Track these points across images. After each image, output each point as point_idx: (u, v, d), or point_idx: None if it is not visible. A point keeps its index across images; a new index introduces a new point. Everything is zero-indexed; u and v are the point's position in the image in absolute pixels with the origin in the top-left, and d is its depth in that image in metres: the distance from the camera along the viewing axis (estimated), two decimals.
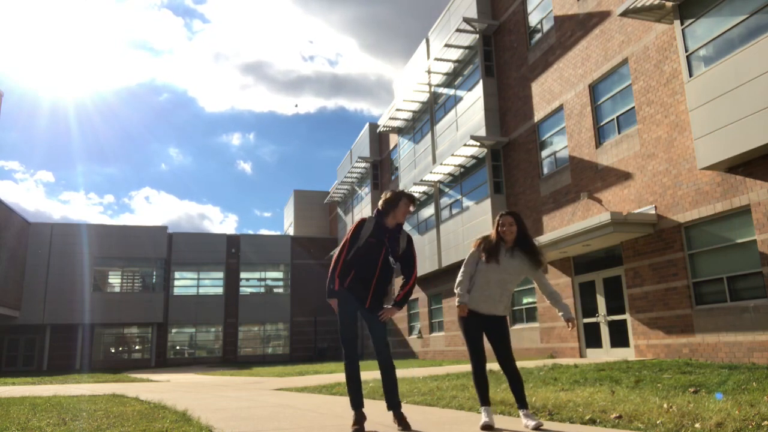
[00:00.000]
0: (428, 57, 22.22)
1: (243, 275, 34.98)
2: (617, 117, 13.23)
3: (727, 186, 10.11)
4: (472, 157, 18.87)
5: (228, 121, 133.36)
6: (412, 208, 4.65)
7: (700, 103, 10.14)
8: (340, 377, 10.49)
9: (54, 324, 30.24)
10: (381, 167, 30.40)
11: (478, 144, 17.85)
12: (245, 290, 34.93)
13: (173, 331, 33.46)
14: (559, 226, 14.66)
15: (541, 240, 13.38)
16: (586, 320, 13.87)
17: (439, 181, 21.59)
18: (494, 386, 6.52)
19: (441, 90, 21.88)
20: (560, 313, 4.54)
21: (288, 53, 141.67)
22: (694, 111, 10.29)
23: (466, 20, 18.50)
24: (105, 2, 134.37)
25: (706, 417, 4.16)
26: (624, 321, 12.65)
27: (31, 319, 29.30)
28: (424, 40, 23.14)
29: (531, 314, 16.32)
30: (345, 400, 5.39)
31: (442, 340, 21.70)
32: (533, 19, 17.02)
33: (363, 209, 31.05)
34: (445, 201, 21.27)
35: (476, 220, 18.46)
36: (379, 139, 30.74)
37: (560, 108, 15.22)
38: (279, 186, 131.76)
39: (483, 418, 4.27)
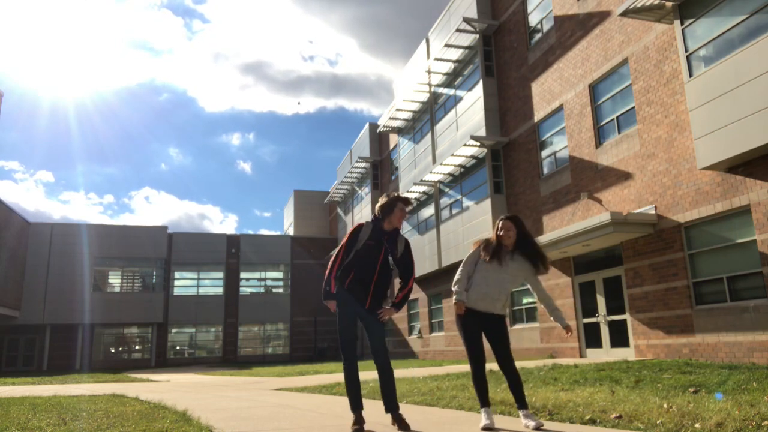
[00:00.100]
0: (428, 57, 22.22)
1: (243, 275, 34.98)
2: (617, 117, 13.23)
3: (727, 186, 10.11)
4: (472, 157, 18.87)
5: (228, 121, 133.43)
6: (408, 208, 4.72)
7: (700, 103, 10.14)
8: (340, 377, 10.49)
9: (54, 324, 30.25)
10: (381, 167, 30.40)
11: (478, 144, 17.85)
12: (245, 290, 34.93)
13: (173, 331, 33.47)
14: (559, 226, 14.66)
15: (541, 240, 13.38)
16: (586, 320, 13.87)
17: (439, 181, 21.59)
18: (494, 386, 6.52)
19: (441, 90, 21.88)
20: (557, 322, 4.63)
21: (288, 53, 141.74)
22: (694, 111, 10.29)
23: (466, 20, 18.50)
24: (105, 2, 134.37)
25: (706, 417, 4.16)
26: (624, 321, 12.65)
27: (31, 319, 29.31)
28: (424, 40, 23.15)
29: (531, 314, 16.32)
30: (345, 400, 5.39)
31: (442, 340, 21.70)
32: (533, 19, 17.03)
33: (363, 209, 31.05)
34: (445, 201, 21.27)
35: (476, 220, 18.46)
36: (379, 139, 30.74)
37: (560, 108, 15.22)
38: (279, 186, 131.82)
39: (483, 419, 4.27)
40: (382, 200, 4.69)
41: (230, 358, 33.10)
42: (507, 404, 5.39)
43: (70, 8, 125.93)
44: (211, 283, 34.45)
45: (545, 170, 15.95)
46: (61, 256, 30.64)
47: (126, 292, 32.95)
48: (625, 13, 11.45)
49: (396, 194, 4.77)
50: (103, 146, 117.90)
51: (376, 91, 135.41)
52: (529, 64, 16.87)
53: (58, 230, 31.38)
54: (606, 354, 13.04)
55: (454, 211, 20.31)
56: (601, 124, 13.73)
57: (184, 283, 34.08)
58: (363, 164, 31.00)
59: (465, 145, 18.16)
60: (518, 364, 4.66)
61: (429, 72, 21.59)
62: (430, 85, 22.41)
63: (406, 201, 4.68)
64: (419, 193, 23.03)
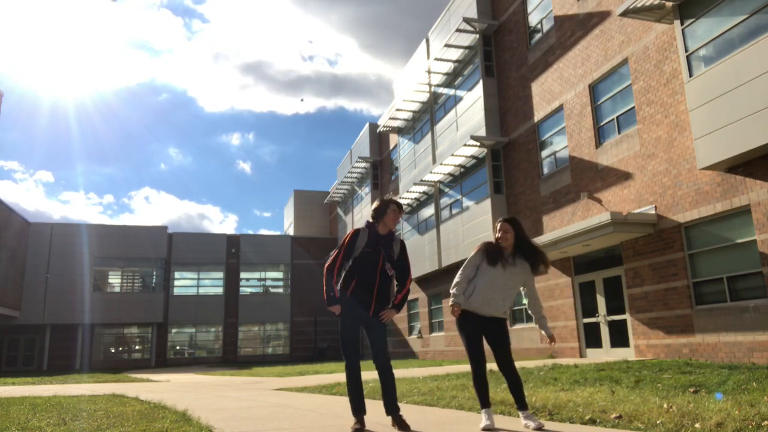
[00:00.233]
0: (428, 57, 22.22)
1: (243, 275, 34.97)
2: (617, 117, 13.23)
3: (727, 186, 10.11)
4: (472, 157, 18.87)
5: (228, 121, 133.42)
6: (401, 213, 4.77)
7: (700, 103, 10.14)
8: (340, 377, 10.49)
9: (54, 324, 30.24)
10: (381, 167, 30.40)
11: (478, 144, 17.85)
12: (245, 290, 34.93)
13: (173, 331, 33.46)
14: (559, 226, 14.66)
15: (541, 240, 13.38)
16: (586, 320, 13.87)
17: (439, 181, 21.59)
18: (494, 386, 6.52)
19: (441, 90, 21.88)
20: (542, 331, 4.68)
21: (287, 53, 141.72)
22: (694, 111, 10.28)
23: (466, 20, 18.50)
24: (105, 2, 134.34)
25: (706, 417, 4.16)
26: (624, 321, 12.65)
27: (31, 319, 29.30)
28: (424, 40, 23.14)
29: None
30: (345, 400, 5.39)
31: (442, 340, 21.70)
32: (533, 19, 17.02)
33: (363, 209, 31.05)
34: (445, 201, 21.27)
35: (476, 220, 18.46)
36: (379, 139, 30.74)
37: (560, 108, 15.22)
38: (279, 186, 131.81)
39: (483, 419, 4.27)
40: (375, 204, 4.77)
41: (230, 358, 33.09)
42: (507, 404, 5.39)
43: (70, 8, 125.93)
44: (211, 283, 34.44)
45: (545, 170, 15.95)
46: (61, 256, 30.64)
47: (126, 292, 32.95)
48: (625, 13, 11.45)
49: (388, 197, 4.86)
50: (103, 146, 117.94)
51: (376, 91, 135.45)
52: (529, 64, 16.87)
53: (58, 230, 31.37)
54: (606, 354, 13.04)
55: (454, 211, 20.30)
56: (601, 124, 13.73)
57: (184, 283, 34.07)
58: (363, 164, 31.00)
59: (465, 145, 18.16)
60: (518, 364, 4.67)
61: (429, 72, 21.59)
62: (430, 85, 22.41)
63: (398, 204, 4.77)
64: (419, 193, 23.03)
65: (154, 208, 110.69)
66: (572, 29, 14.84)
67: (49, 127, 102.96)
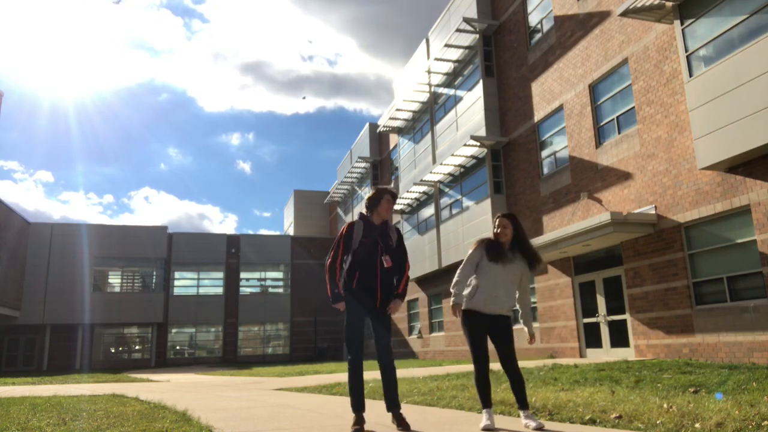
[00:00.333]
0: (428, 57, 22.22)
1: (243, 275, 34.96)
2: (617, 117, 13.23)
3: (727, 186, 10.11)
4: (472, 157, 18.87)
5: (227, 121, 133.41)
6: (395, 203, 4.82)
7: (700, 103, 10.14)
8: (340, 377, 10.50)
9: (54, 324, 30.23)
10: (381, 167, 30.41)
11: (478, 144, 17.85)
12: (245, 290, 34.91)
13: (173, 331, 33.45)
14: (559, 226, 14.66)
15: (541, 240, 13.39)
16: (586, 320, 13.87)
17: (439, 181, 21.59)
18: (494, 386, 6.52)
19: (441, 90, 21.88)
20: (525, 326, 4.72)
21: (287, 53, 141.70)
22: (694, 111, 10.28)
23: (466, 20, 18.50)
24: (105, 2, 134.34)
25: (706, 417, 4.16)
26: (624, 321, 12.65)
27: (31, 319, 29.29)
28: (424, 40, 23.14)
29: (531, 314, 16.30)
30: (345, 400, 5.39)
31: (442, 340, 21.70)
32: (533, 19, 17.02)
33: (363, 209, 31.05)
34: (445, 201, 21.27)
35: (476, 220, 18.46)
36: (379, 139, 30.74)
37: (560, 108, 15.22)
38: (279, 186, 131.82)
39: (484, 419, 4.26)
40: (369, 194, 4.81)
41: (230, 358, 33.08)
42: (507, 404, 5.39)
43: (70, 8, 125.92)
44: (211, 283, 34.44)
45: (545, 170, 15.95)
46: (61, 256, 30.63)
47: (126, 292, 32.94)
48: (625, 13, 11.45)
49: (383, 187, 4.88)
50: (103, 146, 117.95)
51: (375, 91, 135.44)
52: (529, 64, 16.87)
53: (58, 230, 31.37)
54: (606, 354, 13.04)
55: (454, 211, 20.31)
56: (601, 124, 13.73)
57: (184, 283, 34.06)
58: (363, 164, 31.00)
59: (465, 145, 18.16)
60: (519, 363, 4.65)
61: (429, 72, 21.59)
62: (430, 85, 22.41)
63: (393, 193, 4.81)
64: (419, 193, 23.04)
65: (154, 208, 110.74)
66: (572, 29, 14.84)
67: (49, 127, 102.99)
